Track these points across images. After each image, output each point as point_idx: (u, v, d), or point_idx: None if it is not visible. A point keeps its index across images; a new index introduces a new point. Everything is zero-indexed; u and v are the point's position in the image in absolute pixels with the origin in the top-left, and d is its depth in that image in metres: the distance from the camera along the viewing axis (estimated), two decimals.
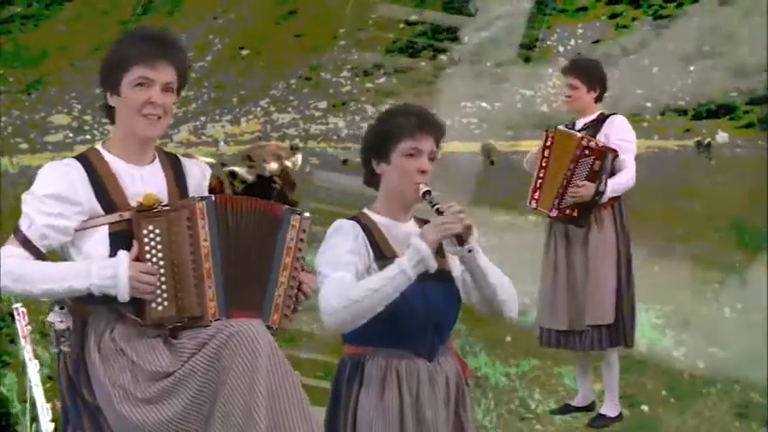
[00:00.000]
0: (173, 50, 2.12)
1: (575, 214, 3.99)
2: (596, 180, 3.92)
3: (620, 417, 4.13)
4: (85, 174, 2.07)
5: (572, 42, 69.67)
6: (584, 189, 3.92)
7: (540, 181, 4.10)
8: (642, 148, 16.04)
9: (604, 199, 3.95)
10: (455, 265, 2.24)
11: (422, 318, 2.16)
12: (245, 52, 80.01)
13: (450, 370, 2.24)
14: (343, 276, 2.08)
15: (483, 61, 68.18)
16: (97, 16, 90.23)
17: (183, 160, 2.27)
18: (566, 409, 4.28)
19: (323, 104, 69.20)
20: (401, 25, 76.65)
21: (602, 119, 4.10)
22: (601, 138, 4.02)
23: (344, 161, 21.31)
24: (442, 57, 69.88)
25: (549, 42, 69.55)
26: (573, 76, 4.09)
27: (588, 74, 4.11)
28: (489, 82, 64.91)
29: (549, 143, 4.10)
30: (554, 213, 4.02)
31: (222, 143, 34.78)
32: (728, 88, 57.37)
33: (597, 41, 67.88)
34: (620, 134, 4.06)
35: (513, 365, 4.94)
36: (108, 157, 2.13)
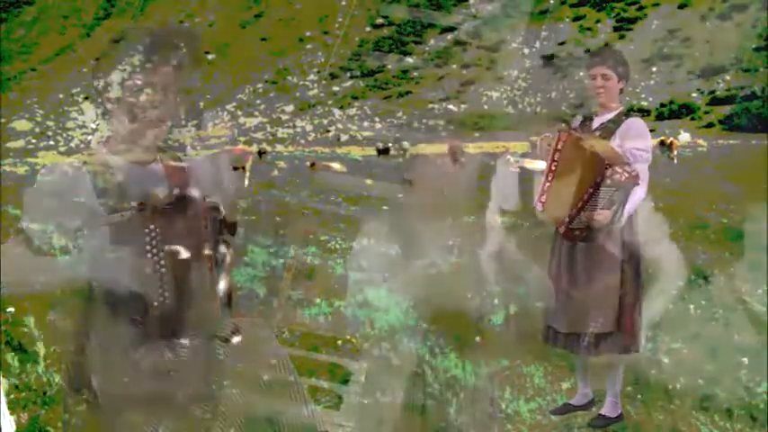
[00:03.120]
0: (176, 51, 2.10)
1: (583, 236, 3.82)
2: (612, 206, 3.72)
3: (620, 417, 4.05)
4: (87, 174, 2.06)
5: (537, 44, 70.30)
6: (601, 217, 3.73)
7: (547, 184, 3.91)
8: None
9: (619, 226, 3.79)
10: None
11: None
12: (210, 57, 79.40)
13: None
14: None
15: (449, 63, 68.42)
16: (58, 20, 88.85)
17: (186, 158, 2.26)
18: (565, 409, 4.23)
19: (290, 108, 68.99)
20: (367, 28, 76.62)
21: (619, 120, 3.88)
22: (614, 142, 3.83)
23: (312, 164, 21.27)
24: (408, 59, 70.08)
25: (514, 44, 70.14)
26: (604, 65, 3.83)
27: (618, 63, 3.86)
28: (455, 84, 65.17)
29: (559, 146, 3.83)
30: (562, 230, 3.85)
31: (189, 148, 34.46)
32: (690, 89, 58.40)
33: (562, 43, 68.63)
34: (634, 142, 3.82)
35: (483, 366, 4.97)
36: (109, 156, 2.11)
